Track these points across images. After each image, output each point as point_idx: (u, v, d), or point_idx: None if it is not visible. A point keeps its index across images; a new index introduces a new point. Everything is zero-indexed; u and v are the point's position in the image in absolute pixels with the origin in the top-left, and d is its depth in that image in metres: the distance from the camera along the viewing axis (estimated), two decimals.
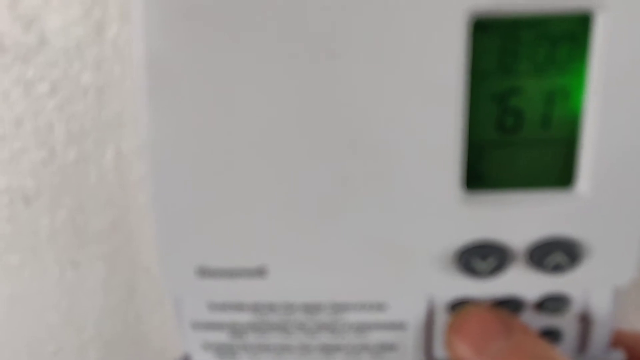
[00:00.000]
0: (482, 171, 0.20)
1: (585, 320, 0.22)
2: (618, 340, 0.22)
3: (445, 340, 0.21)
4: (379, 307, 0.22)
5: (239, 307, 0.22)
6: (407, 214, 0.20)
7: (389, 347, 0.23)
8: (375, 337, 0.22)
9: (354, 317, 0.22)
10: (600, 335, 0.22)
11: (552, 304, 0.21)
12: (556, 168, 0.20)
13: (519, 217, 0.20)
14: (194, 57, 0.18)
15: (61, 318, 0.28)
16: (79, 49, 0.23)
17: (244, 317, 0.22)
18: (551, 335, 0.22)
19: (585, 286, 0.21)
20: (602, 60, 0.18)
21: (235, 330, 0.22)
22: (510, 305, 0.21)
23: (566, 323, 0.22)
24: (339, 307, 0.22)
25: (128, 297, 0.27)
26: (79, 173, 0.25)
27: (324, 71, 0.19)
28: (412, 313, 0.22)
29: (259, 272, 0.21)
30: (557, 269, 0.20)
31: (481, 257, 0.20)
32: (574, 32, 0.18)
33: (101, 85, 0.23)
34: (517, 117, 0.20)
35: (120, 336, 0.28)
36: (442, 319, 0.22)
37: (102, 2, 0.22)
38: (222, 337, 0.22)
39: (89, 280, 0.27)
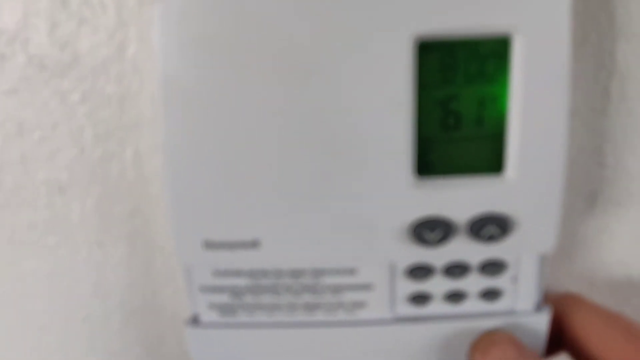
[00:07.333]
0: (430, 161, 0.23)
1: (517, 282, 0.25)
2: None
3: (469, 354, 0.25)
4: (351, 272, 0.24)
5: (237, 273, 0.24)
6: (371, 196, 0.23)
7: (359, 305, 0.25)
8: (348, 296, 0.25)
9: (330, 280, 0.24)
10: (530, 294, 0.25)
11: (491, 268, 0.24)
12: (489, 158, 0.23)
13: (460, 197, 0.23)
14: (201, 76, 0.21)
15: (90, 290, 0.30)
16: (104, 66, 0.25)
17: (241, 282, 0.24)
18: (492, 294, 0.25)
19: (516, 253, 0.24)
20: (520, 73, 0.21)
21: (235, 292, 0.25)
22: (458, 269, 0.24)
23: (503, 284, 0.25)
24: (318, 273, 0.24)
25: (146, 271, 0.29)
26: (104, 168, 0.27)
27: (304, 88, 0.21)
28: (378, 276, 0.24)
29: (254, 244, 0.23)
30: (492, 239, 0.23)
31: (430, 230, 0.23)
32: (497, 51, 0.21)
33: (122, 95, 0.26)
34: (456, 118, 0.22)
35: (140, 304, 0.30)
36: (402, 281, 0.25)
37: (123, 28, 0.24)
38: (224, 298, 0.25)
39: (113, 258, 0.29)
